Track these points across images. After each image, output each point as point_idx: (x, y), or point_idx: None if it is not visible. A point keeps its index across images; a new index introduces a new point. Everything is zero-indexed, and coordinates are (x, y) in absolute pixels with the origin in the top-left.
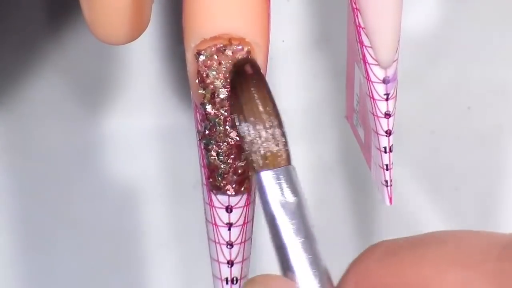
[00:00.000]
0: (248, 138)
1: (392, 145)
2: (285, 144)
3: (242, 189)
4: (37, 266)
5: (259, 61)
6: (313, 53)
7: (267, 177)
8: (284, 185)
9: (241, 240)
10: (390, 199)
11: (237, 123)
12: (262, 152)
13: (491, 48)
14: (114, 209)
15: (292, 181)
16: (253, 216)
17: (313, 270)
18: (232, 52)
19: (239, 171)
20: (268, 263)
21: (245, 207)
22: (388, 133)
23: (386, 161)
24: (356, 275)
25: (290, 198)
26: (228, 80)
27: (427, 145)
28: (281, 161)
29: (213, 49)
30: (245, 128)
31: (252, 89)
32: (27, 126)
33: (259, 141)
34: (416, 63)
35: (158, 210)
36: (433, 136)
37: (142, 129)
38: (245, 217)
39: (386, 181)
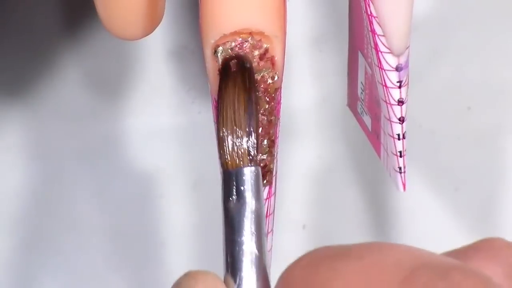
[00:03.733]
0: (220, 135)
1: (405, 131)
2: (250, 146)
3: (265, 181)
4: (38, 266)
5: (278, 54)
6: (313, 53)
7: (227, 176)
8: (240, 186)
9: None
10: (404, 185)
11: (215, 120)
12: (228, 151)
13: (491, 48)
14: (115, 209)
15: (249, 183)
16: (274, 208)
17: (252, 270)
18: (251, 47)
19: (261, 165)
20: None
21: (268, 199)
22: (402, 120)
23: (399, 148)
24: (283, 280)
25: (248, 199)
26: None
27: (427, 145)
28: (243, 162)
29: (234, 44)
30: (220, 125)
31: (232, 88)
32: (36, 124)
33: (228, 140)
34: (415, 63)
35: (158, 210)
36: (433, 136)
37: (142, 130)
38: (267, 209)
39: (400, 168)
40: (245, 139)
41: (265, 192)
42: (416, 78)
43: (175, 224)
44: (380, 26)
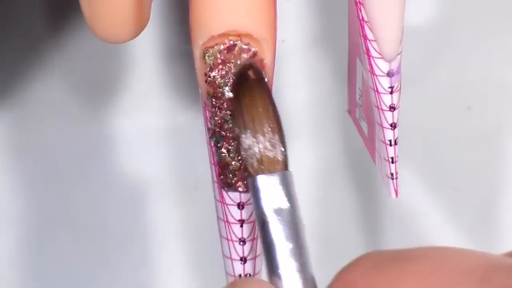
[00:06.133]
0: (246, 142)
1: (397, 138)
2: (283, 150)
3: None
4: (37, 266)
5: (267, 57)
6: (314, 53)
7: (262, 182)
8: (278, 191)
9: (254, 236)
10: (396, 191)
11: (236, 127)
12: (258, 156)
13: (491, 48)
14: (116, 210)
15: (287, 188)
16: None
17: (299, 278)
18: (240, 50)
19: None
20: None
21: None
22: (393, 126)
23: (391, 154)
24: (342, 284)
25: (284, 204)
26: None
27: (427, 145)
28: (278, 167)
29: (222, 47)
30: (243, 132)
31: (253, 94)
32: (29, 126)
33: (256, 146)
34: (415, 63)
35: (160, 210)
36: (433, 136)
37: (143, 129)
38: None
39: (392, 174)
40: (280, 143)
41: None
42: (416, 78)
43: (176, 225)
44: (371, 31)
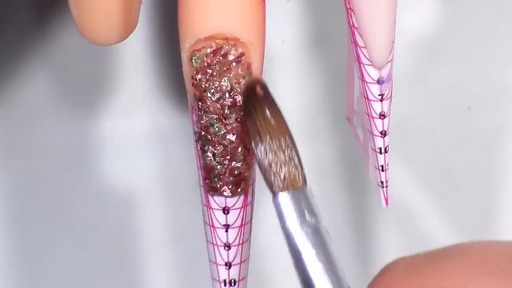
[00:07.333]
0: (266, 161)
1: (388, 146)
2: (301, 165)
3: (239, 190)
4: (37, 266)
5: (255, 61)
6: (313, 53)
7: (286, 199)
8: (303, 207)
9: (239, 242)
10: (386, 200)
11: (254, 146)
12: (280, 174)
13: (491, 48)
14: (113, 210)
15: (309, 203)
16: (251, 218)
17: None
18: (226, 53)
19: (236, 172)
20: (266, 265)
21: (243, 208)
22: (383, 133)
23: (381, 162)
24: None
25: (309, 219)
26: (221, 82)
27: (427, 145)
28: (299, 183)
29: (209, 50)
30: (262, 150)
31: (265, 111)
32: (24, 127)
33: (277, 163)
34: (416, 63)
35: (157, 211)
36: (433, 136)
37: (141, 130)
38: (242, 218)
39: (382, 182)
40: (296, 158)
41: (239, 201)
42: (416, 78)
43: (175, 225)
44: (361, 37)
